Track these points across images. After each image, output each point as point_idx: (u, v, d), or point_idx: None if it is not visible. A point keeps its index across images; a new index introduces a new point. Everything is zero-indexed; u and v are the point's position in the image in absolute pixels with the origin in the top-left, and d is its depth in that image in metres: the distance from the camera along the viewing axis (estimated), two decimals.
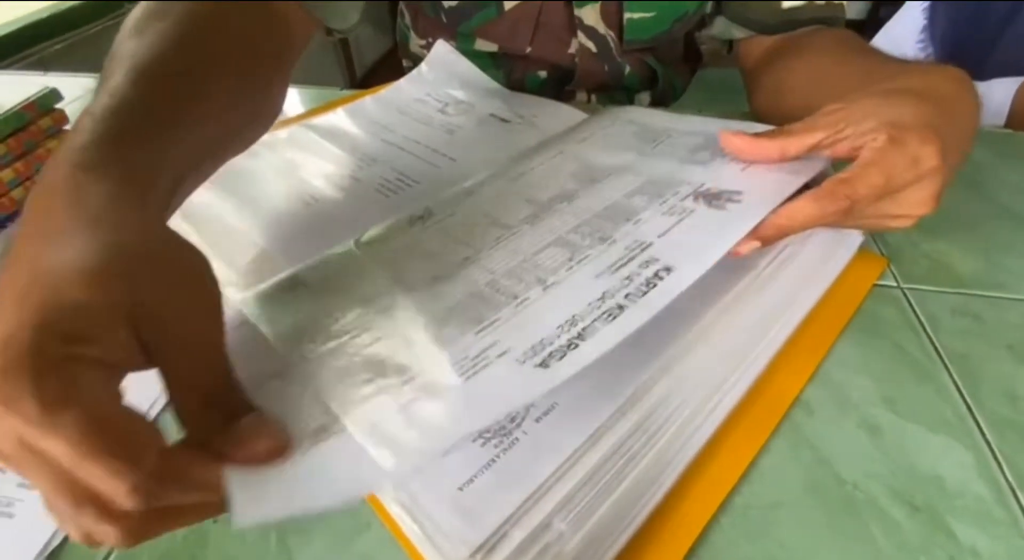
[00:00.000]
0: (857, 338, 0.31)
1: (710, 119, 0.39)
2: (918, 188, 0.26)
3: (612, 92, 0.59)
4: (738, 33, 0.52)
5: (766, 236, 0.26)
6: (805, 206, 0.26)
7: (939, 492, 0.24)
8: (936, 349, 0.30)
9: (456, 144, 0.45)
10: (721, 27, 0.54)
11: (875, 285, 0.34)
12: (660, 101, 0.61)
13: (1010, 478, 0.24)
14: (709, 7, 0.53)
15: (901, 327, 0.31)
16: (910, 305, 0.33)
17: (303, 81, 0.58)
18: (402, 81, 0.53)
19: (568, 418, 0.23)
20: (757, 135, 0.29)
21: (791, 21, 0.49)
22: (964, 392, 0.28)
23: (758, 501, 0.24)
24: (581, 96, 0.58)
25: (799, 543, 0.23)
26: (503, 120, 0.47)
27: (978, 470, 0.25)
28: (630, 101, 0.60)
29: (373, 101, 0.51)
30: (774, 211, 0.26)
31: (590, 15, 0.53)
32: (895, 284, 0.34)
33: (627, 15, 0.52)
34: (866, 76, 0.35)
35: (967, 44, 0.67)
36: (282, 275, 0.30)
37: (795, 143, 0.28)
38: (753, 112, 0.50)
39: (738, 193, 0.28)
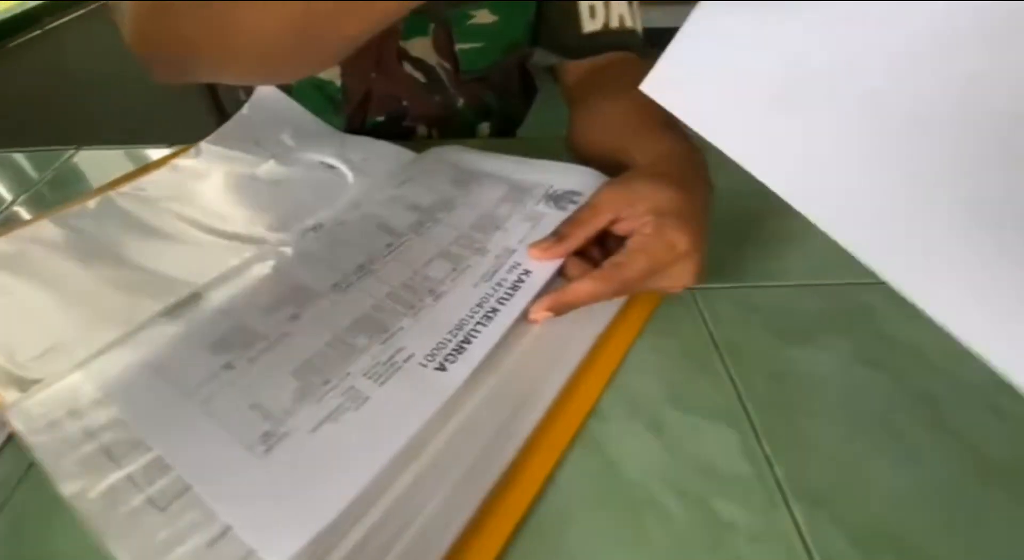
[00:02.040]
0: (651, 342, 0.34)
1: (525, 162, 0.41)
2: (678, 267, 0.32)
3: (450, 124, 0.61)
4: (552, 59, 0.56)
5: (556, 308, 0.31)
6: (586, 285, 0.31)
7: (708, 476, 0.27)
8: (715, 342, 0.34)
9: (279, 197, 0.44)
10: (539, 55, 0.57)
11: None
12: (502, 131, 0.64)
13: (768, 452, 0.28)
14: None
15: (689, 326, 0.35)
16: (696, 304, 0.36)
17: (168, 136, 0.55)
18: (226, 127, 0.52)
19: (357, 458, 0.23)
20: (550, 240, 0.33)
21: (592, 45, 0.53)
22: (736, 379, 0.31)
23: (552, 516, 0.26)
24: (422, 131, 0.60)
25: (588, 551, 0.24)
26: (330, 167, 0.47)
27: (743, 450, 0.28)
28: (471, 133, 0.62)
29: (193, 158, 0.50)
30: (561, 288, 0.31)
31: (418, 47, 0.54)
32: None
33: (458, 46, 0.55)
34: (638, 136, 0.40)
35: None
36: (182, 294, 0.32)
37: (585, 233, 0.33)
38: (567, 143, 0.53)
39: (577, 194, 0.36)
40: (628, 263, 0.31)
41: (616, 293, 0.31)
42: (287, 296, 0.31)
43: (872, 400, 0.30)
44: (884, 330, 0.34)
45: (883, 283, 0.19)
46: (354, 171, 0.47)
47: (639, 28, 0.56)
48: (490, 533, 0.24)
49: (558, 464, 0.27)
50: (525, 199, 0.37)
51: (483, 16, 0.53)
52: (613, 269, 0.31)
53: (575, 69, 0.55)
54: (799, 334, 0.34)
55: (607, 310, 0.34)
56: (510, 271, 0.32)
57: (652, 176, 0.33)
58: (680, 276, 0.32)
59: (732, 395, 0.31)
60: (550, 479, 0.27)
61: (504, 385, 0.28)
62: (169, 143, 0.53)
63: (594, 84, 0.52)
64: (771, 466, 0.27)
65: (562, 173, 0.38)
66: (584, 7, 0.53)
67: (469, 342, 0.28)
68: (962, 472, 0.27)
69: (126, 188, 0.46)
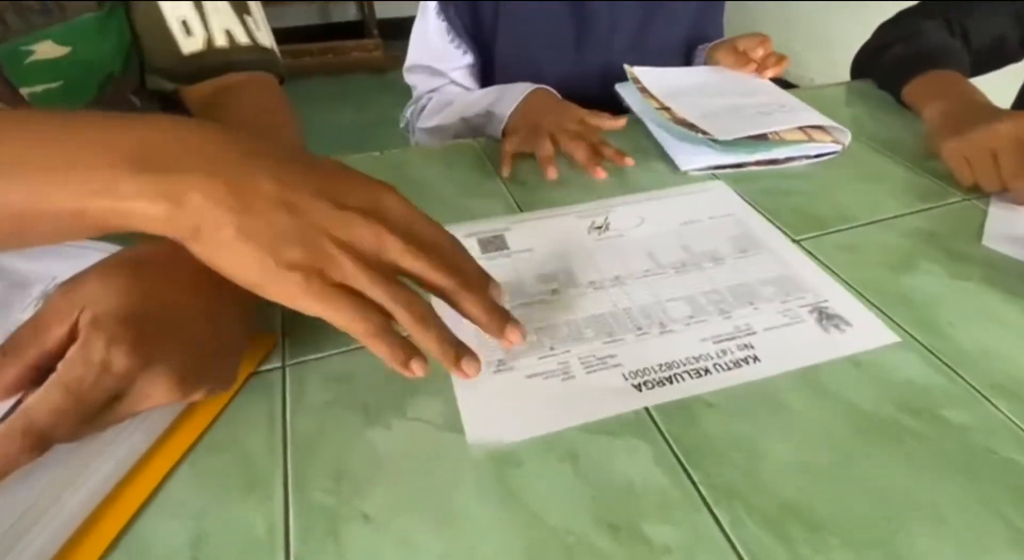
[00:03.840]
0: (201, 461, 0.27)
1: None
2: (139, 385, 0.24)
3: None
4: (167, 85, 0.47)
5: None
6: None
7: None
8: (285, 430, 0.29)
9: None
10: (154, 82, 0.48)
11: (255, 373, 0.32)
12: None
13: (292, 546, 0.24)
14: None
15: (262, 421, 0.29)
16: (284, 384, 0.31)
17: None
18: None
19: None
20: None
21: (201, 68, 0.45)
22: (290, 475, 0.27)
23: None
24: None
25: None
26: None
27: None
28: None
29: None
30: None
31: None
32: (280, 364, 0.32)
33: (25, 91, 0.43)
34: None
35: (483, 44, 0.70)
36: None
37: (24, 360, 0.23)
38: None
39: None
40: (38, 404, 0.22)
41: (35, 448, 0.22)
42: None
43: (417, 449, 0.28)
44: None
45: None
46: None
47: (266, 43, 0.49)
48: None
49: None
50: (14, 303, 0.28)
51: (47, 50, 0.42)
52: (20, 418, 0.22)
53: (195, 95, 0.47)
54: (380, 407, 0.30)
55: (136, 441, 0.27)
56: None
57: (117, 265, 0.25)
58: (148, 396, 0.24)
59: (279, 507, 0.26)
60: None
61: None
62: None
63: (216, 107, 0.45)
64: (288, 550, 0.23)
65: (75, 258, 0.30)
66: (174, 23, 0.44)
67: None
68: None
69: None
